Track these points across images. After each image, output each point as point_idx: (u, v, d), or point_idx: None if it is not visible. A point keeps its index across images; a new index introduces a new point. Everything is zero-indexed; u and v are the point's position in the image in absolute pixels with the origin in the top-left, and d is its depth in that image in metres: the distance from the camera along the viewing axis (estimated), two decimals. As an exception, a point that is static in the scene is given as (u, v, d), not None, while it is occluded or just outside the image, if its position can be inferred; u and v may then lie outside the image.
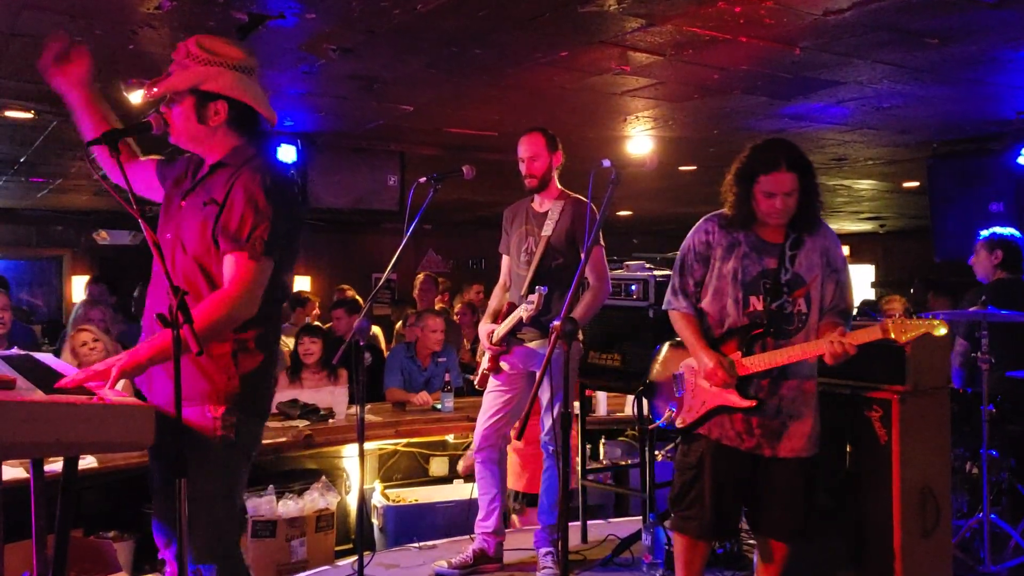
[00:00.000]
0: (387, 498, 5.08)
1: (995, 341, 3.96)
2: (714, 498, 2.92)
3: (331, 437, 4.93)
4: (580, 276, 2.98)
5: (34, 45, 3.81)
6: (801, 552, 3.39)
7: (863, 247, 14.70)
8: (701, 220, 3.06)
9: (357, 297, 7.66)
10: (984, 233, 4.74)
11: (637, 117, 5.43)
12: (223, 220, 2.34)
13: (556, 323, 2.72)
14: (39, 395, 2.04)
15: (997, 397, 4.06)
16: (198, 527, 2.33)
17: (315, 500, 4.59)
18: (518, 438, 3.83)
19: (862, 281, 14.36)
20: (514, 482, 4.71)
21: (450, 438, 5.47)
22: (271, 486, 4.55)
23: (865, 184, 8.63)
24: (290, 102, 5.04)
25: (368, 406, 4.87)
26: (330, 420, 5.12)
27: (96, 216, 10.82)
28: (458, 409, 5.35)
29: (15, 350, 2.72)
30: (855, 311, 3.42)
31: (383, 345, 7.12)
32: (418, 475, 5.47)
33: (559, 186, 3.84)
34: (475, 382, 4.02)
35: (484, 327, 3.90)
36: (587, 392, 4.74)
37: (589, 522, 4.48)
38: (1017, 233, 4.69)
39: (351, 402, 5.33)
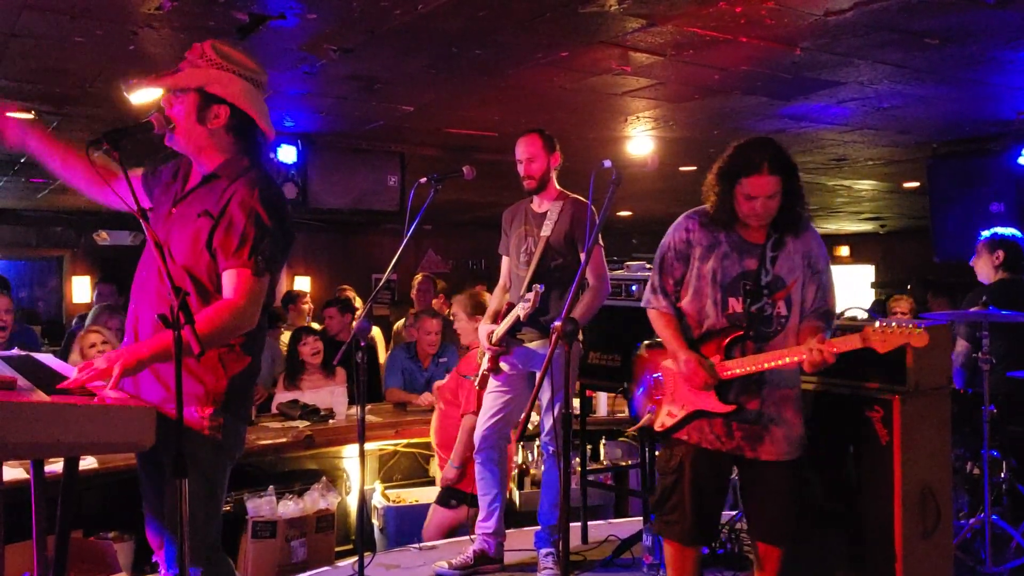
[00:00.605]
0: (387, 499, 5.08)
1: (996, 342, 3.96)
2: (695, 502, 2.89)
3: (331, 438, 4.93)
4: (580, 277, 2.98)
5: (35, 45, 3.82)
6: (801, 552, 3.39)
7: (863, 247, 14.69)
8: (681, 217, 3.01)
9: (355, 297, 7.66)
10: (985, 233, 4.73)
11: (638, 117, 5.43)
12: (222, 235, 2.36)
13: (556, 324, 2.72)
14: (39, 396, 2.04)
15: (998, 397, 4.06)
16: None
17: (315, 501, 4.59)
18: (518, 439, 3.84)
19: (862, 281, 14.35)
20: (468, 483, 4.40)
21: (450, 438, 5.46)
22: (271, 487, 4.55)
23: (865, 184, 8.63)
24: (290, 102, 5.04)
25: (368, 407, 4.86)
26: (330, 421, 5.12)
27: (96, 217, 10.81)
28: (458, 409, 5.34)
29: (15, 351, 2.72)
30: (863, 313, 3.41)
31: (381, 346, 7.11)
32: (418, 476, 5.47)
33: (557, 187, 3.84)
34: (475, 383, 4.02)
35: (484, 328, 3.90)
36: (587, 392, 4.74)
37: (590, 523, 4.48)
38: (1018, 233, 4.69)
39: (351, 402, 5.33)
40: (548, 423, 3.74)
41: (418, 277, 7.45)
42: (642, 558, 3.85)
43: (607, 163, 2.93)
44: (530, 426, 4.33)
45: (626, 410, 5.37)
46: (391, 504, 5.00)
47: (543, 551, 3.84)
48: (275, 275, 2.45)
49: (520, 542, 4.16)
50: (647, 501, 4.05)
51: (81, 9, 3.36)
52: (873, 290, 13.71)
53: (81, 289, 10.78)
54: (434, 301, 7.40)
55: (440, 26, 3.59)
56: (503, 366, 3.84)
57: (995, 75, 4.42)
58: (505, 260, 3.97)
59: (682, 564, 3.00)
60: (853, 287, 14.06)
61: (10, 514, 2.78)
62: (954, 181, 6.06)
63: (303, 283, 11.60)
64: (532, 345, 3.76)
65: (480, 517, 3.93)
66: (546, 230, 3.75)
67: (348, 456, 5.11)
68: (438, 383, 5.05)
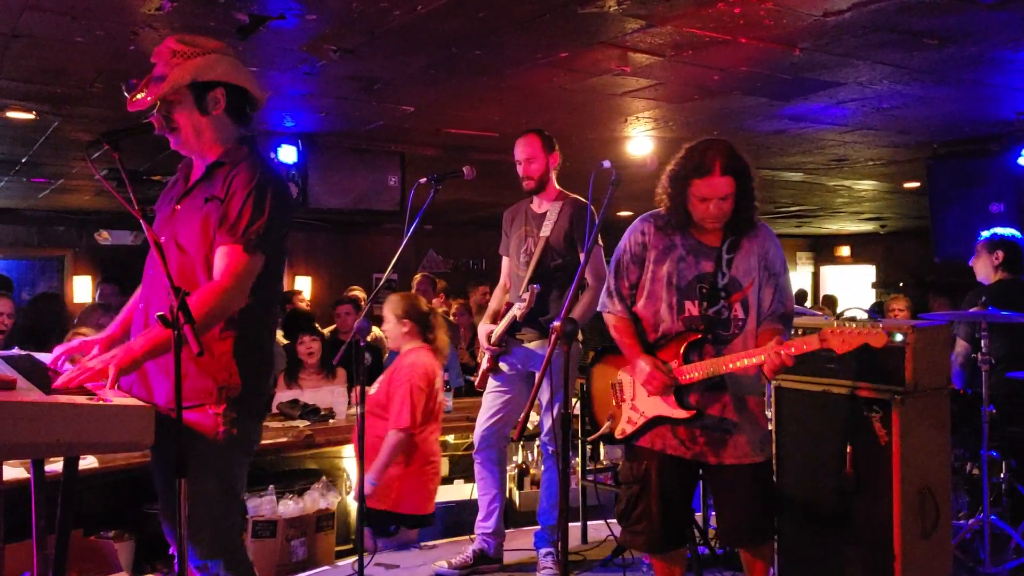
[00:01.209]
0: (387, 498, 5.07)
1: (995, 342, 3.96)
2: (661, 511, 2.86)
3: (331, 437, 4.93)
4: (580, 277, 2.99)
5: (35, 46, 3.82)
6: (801, 553, 3.40)
7: (864, 247, 14.70)
8: (637, 220, 2.98)
9: (364, 297, 7.66)
10: (985, 234, 4.73)
11: (637, 118, 5.43)
12: (221, 213, 2.37)
13: (556, 323, 2.73)
14: (39, 395, 2.05)
15: (997, 398, 4.06)
16: (203, 524, 2.36)
17: (316, 500, 4.59)
18: (517, 438, 3.84)
19: (863, 282, 14.36)
20: (379, 500, 4.16)
21: (450, 438, 5.47)
22: (272, 486, 4.55)
23: (865, 185, 8.63)
24: (291, 103, 5.04)
25: (368, 406, 4.86)
26: (330, 420, 5.12)
27: (98, 216, 10.82)
28: (458, 409, 5.35)
29: (15, 350, 2.73)
30: (863, 313, 3.41)
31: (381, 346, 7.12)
32: (418, 475, 5.46)
33: (557, 187, 3.85)
34: (475, 383, 4.03)
35: (483, 328, 3.91)
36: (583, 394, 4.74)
37: (589, 523, 4.48)
38: (1018, 234, 4.69)
39: (351, 402, 5.33)
40: (547, 423, 3.75)
41: (417, 277, 7.47)
42: (642, 558, 3.86)
43: (606, 163, 2.93)
44: (529, 426, 4.33)
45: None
46: (391, 504, 5.00)
47: (542, 551, 3.85)
48: (269, 258, 2.42)
49: (519, 542, 4.17)
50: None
51: (82, 10, 3.37)
52: (874, 290, 13.71)
53: (82, 289, 10.78)
54: (434, 301, 7.42)
55: (440, 26, 3.59)
56: (502, 366, 3.84)
57: (994, 75, 4.42)
58: (505, 260, 3.97)
59: (669, 572, 2.99)
60: (854, 287, 14.08)
61: (10, 513, 2.78)
62: (954, 181, 6.06)
63: (303, 283, 11.61)
64: (531, 345, 3.77)
65: (480, 517, 3.94)
66: (546, 230, 3.75)
67: (348, 456, 5.11)
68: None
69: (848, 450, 3.26)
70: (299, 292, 7.90)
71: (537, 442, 4.45)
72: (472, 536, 4.00)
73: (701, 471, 2.99)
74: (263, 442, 4.58)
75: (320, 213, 6.35)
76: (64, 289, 11.13)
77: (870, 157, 6.96)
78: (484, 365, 3.90)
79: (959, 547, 3.82)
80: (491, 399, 3.88)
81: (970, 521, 3.95)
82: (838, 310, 4.57)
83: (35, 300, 7.13)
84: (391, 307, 4.33)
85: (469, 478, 4.97)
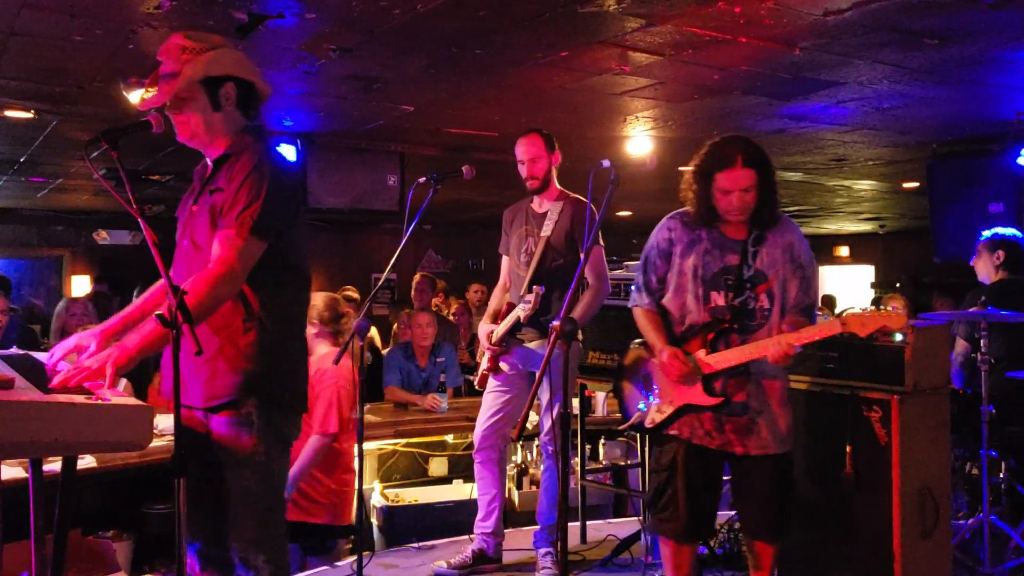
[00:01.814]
0: (386, 498, 5.08)
1: (995, 342, 3.95)
2: (688, 499, 2.91)
3: (330, 437, 4.92)
4: (580, 276, 2.98)
5: (34, 44, 3.82)
6: (800, 552, 3.39)
7: (863, 247, 14.70)
8: (665, 217, 3.06)
9: (358, 297, 7.67)
10: (986, 233, 4.73)
11: (637, 117, 5.43)
12: (221, 202, 2.37)
13: (555, 323, 2.72)
14: (38, 395, 2.04)
15: (997, 398, 4.05)
16: (246, 520, 2.38)
17: (314, 500, 4.58)
18: (517, 438, 3.83)
19: (862, 281, 14.36)
20: (317, 514, 4.02)
21: (449, 438, 5.47)
22: (270, 486, 4.54)
23: (865, 184, 8.64)
24: (290, 102, 5.04)
25: (367, 406, 4.86)
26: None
27: (96, 216, 10.82)
28: (458, 409, 5.34)
29: (14, 350, 2.72)
30: (858, 310, 3.41)
31: (379, 345, 7.12)
32: (417, 475, 5.47)
33: (558, 186, 3.84)
34: (475, 382, 4.02)
35: (484, 327, 3.90)
36: (587, 392, 4.74)
37: (588, 522, 4.48)
38: (1018, 233, 4.68)
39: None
40: (547, 423, 3.75)
41: (416, 277, 7.46)
42: (641, 558, 3.85)
43: (606, 163, 2.94)
44: (529, 426, 4.32)
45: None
46: (390, 503, 5.00)
47: (542, 551, 3.84)
48: (276, 242, 2.39)
49: (519, 542, 4.16)
50: (646, 501, 4.05)
51: (80, 8, 3.36)
52: (873, 290, 13.71)
53: (81, 288, 10.79)
54: (434, 300, 7.41)
55: (439, 26, 3.59)
56: (503, 366, 3.84)
57: (994, 75, 4.42)
58: (505, 259, 3.97)
59: (678, 562, 3.00)
60: (853, 287, 14.09)
61: (9, 513, 2.78)
62: (954, 181, 6.07)
63: (303, 283, 11.58)
64: (532, 345, 3.76)
65: (479, 516, 3.93)
66: (546, 230, 3.75)
67: (347, 455, 5.11)
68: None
69: (848, 450, 3.26)
70: None
71: (537, 442, 4.44)
72: (471, 536, 3.99)
73: (728, 464, 3.01)
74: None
75: (319, 213, 6.34)
76: (63, 289, 11.13)
77: (869, 157, 6.96)
78: (484, 365, 3.89)
79: (958, 547, 3.82)
80: (491, 399, 3.88)
81: (969, 521, 3.95)
82: (836, 310, 4.57)
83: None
84: (315, 311, 4.21)
85: (468, 478, 4.98)
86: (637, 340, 3.15)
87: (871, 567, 3.20)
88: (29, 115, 5.16)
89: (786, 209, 11.07)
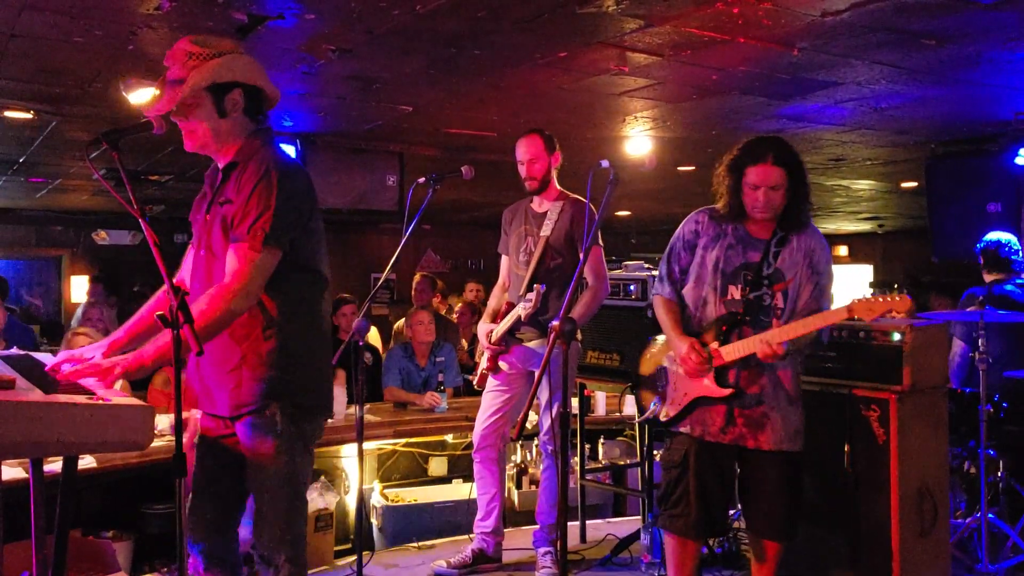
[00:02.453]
0: (386, 498, 5.08)
1: (993, 342, 3.96)
2: (699, 495, 2.93)
3: (330, 437, 4.92)
4: (579, 276, 2.99)
5: (34, 45, 3.82)
6: (799, 551, 3.40)
7: (862, 247, 14.71)
8: (694, 211, 3.12)
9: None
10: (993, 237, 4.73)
11: (636, 117, 5.44)
12: (232, 213, 2.36)
13: (555, 323, 2.73)
14: (38, 395, 2.05)
15: (995, 397, 4.07)
16: (268, 518, 2.41)
17: (314, 500, 4.59)
18: (516, 438, 3.84)
19: (861, 281, 14.37)
20: None
21: (449, 438, 5.47)
22: (270, 486, 4.55)
23: (863, 184, 8.64)
24: (289, 102, 5.04)
25: (367, 406, 4.87)
26: (329, 420, 5.11)
27: (96, 216, 10.82)
28: (457, 409, 5.35)
29: (14, 350, 2.73)
30: None
31: (379, 346, 7.12)
32: (417, 475, 5.48)
33: (558, 186, 3.85)
34: (474, 382, 4.03)
35: (483, 327, 3.91)
36: (586, 392, 4.75)
37: (588, 522, 4.49)
38: (1004, 237, 4.69)
39: (349, 402, 5.33)
40: (547, 422, 3.76)
41: (416, 277, 7.47)
42: (640, 557, 3.87)
43: (604, 163, 2.95)
44: (528, 425, 4.33)
45: (623, 409, 5.41)
46: (390, 503, 5.01)
47: (541, 550, 3.85)
48: (292, 248, 2.38)
49: (519, 541, 4.17)
50: (645, 500, 4.06)
51: (80, 9, 3.37)
52: (872, 290, 13.72)
53: (80, 289, 10.78)
54: (433, 300, 7.41)
55: (438, 26, 3.60)
56: (502, 365, 3.85)
57: (992, 76, 4.42)
58: (504, 259, 3.98)
59: (682, 559, 3.01)
60: (852, 287, 14.10)
61: (9, 513, 2.79)
62: (952, 181, 6.07)
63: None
64: (531, 344, 3.77)
65: (479, 516, 3.94)
66: (546, 230, 3.76)
67: (347, 455, 5.12)
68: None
69: (846, 448, 3.27)
70: None
71: (536, 441, 4.45)
72: (471, 535, 4.00)
73: (737, 461, 3.02)
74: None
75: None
76: (62, 289, 11.13)
77: (868, 157, 6.97)
78: (484, 364, 3.90)
79: (957, 546, 3.83)
80: (490, 398, 3.89)
81: (967, 520, 3.96)
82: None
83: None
84: None
85: (468, 478, 4.98)
86: (658, 336, 3.19)
87: (870, 565, 3.21)
88: (29, 116, 5.16)
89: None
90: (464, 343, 7.06)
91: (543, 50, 3.94)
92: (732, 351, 2.87)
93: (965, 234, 5.52)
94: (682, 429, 2.99)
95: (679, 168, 7.12)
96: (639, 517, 4.16)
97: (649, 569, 3.79)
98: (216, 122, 2.44)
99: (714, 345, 2.91)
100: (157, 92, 2.44)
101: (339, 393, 5.34)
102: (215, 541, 2.54)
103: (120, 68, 4.11)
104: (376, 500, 5.09)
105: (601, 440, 5.70)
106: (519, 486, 5.27)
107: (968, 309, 4.21)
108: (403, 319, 7.13)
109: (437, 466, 5.52)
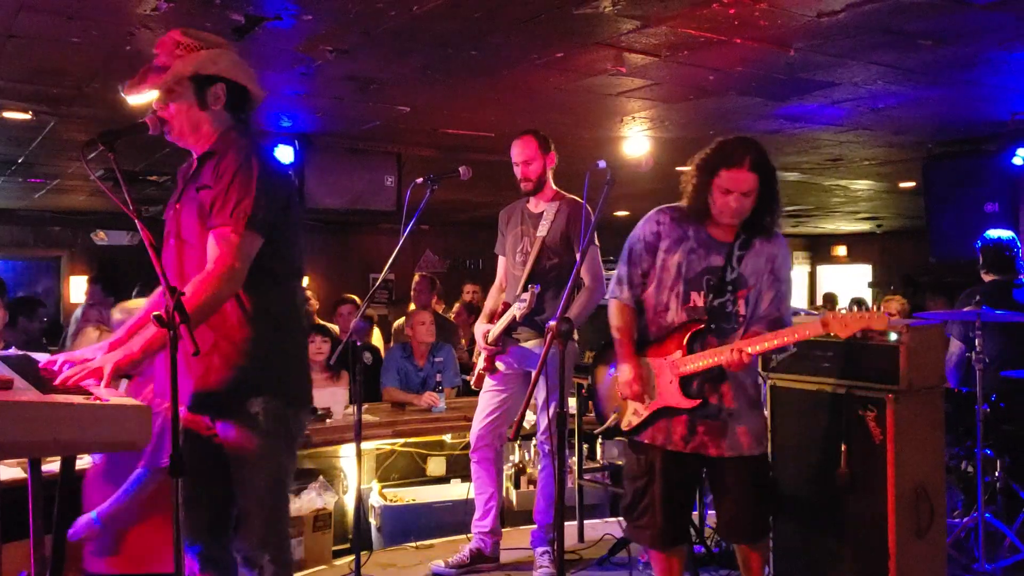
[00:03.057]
0: (384, 498, 5.09)
1: (989, 341, 3.97)
2: (665, 505, 2.89)
3: (328, 437, 4.94)
4: (576, 276, 3.00)
5: (32, 46, 3.83)
6: (795, 552, 3.41)
7: (860, 247, 14.72)
8: (653, 211, 3.01)
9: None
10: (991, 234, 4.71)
11: (633, 118, 5.44)
12: (211, 199, 2.37)
13: (552, 323, 2.74)
14: (36, 395, 2.05)
15: (992, 396, 4.07)
16: (253, 519, 2.40)
17: (312, 500, 4.60)
18: (514, 438, 3.84)
19: (860, 281, 14.38)
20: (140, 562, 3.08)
21: (447, 438, 5.48)
22: (268, 486, 4.55)
23: (861, 184, 8.65)
24: (287, 103, 5.05)
25: (366, 406, 4.87)
26: (328, 420, 5.12)
27: (94, 217, 10.81)
28: (455, 409, 5.36)
29: (13, 350, 2.73)
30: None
31: (380, 346, 7.12)
32: (415, 475, 5.48)
33: (554, 187, 3.86)
34: (471, 382, 4.03)
35: (480, 327, 3.92)
36: (583, 392, 4.75)
37: (586, 521, 4.49)
38: (1004, 235, 4.69)
39: (348, 401, 5.34)
40: (544, 422, 3.76)
41: (416, 277, 7.48)
42: (638, 557, 3.87)
43: (602, 163, 2.95)
44: (526, 425, 4.34)
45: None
46: (388, 503, 5.01)
47: (539, 550, 3.86)
48: (270, 236, 2.40)
49: (516, 541, 4.18)
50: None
51: (78, 10, 3.37)
52: (871, 289, 13.73)
53: (79, 289, 10.77)
54: (433, 301, 7.41)
55: (435, 27, 3.60)
56: (499, 365, 3.85)
57: (989, 76, 4.43)
58: (502, 260, 3.98)
59: (667, 567, 3.00)
60: (850, 287, 14.11)
61: (7, 513, 2.79)
62: (949, 182, 6.08)
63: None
64: (528, 344, 3.78)
65: (476, 516, 3.95)
66: (542, 230, 3.76)
67: (345, 455, 5.12)
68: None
69: (843, 448, 3.27)
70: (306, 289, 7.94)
71: (534, 441, 4.46)
72: (469, 535, 4.01)
73: (703, 468, 3.00)
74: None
75: (317, 213, 6.35)
76: (60, 290, 11.12)
77: (866, 157, 6.98)
78: (480, 364, 3.91)
79: (954, 545, 3.84)
80: (487, 398, 3.89)
81: (964, 519, 3.97)
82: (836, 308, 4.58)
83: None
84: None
85: (466, 477, 4.98)
86: (609, 340, 3.10)
87: (866, 566, 3.22)
88: (27, 116, 5.16)
89: (784, 209, 11.04)
90: (464, 343, 7.06)
91: (540, 51, 3.95)
92: (698, 361, 2.81)
93: (963, 234, 5.53)
94: (644, 439, 2.94)
95: (677, 168, 7.09)
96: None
97: (647, 569, 3.79)
98: (195, 113, 2.46)
99: (677, 355, 2.85)
100: (142, 76, 2.46)
101: (340, 394, 5.35)
102: (210, 542, 2.53)
103: (118, 69, 4.11)
104: (374, 500, 5.09)
105: (599, 440, 5.70)
106: (517, 486, 5.27)
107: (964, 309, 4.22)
108: (403, 318, 7.16)
109: (435, 466, 5.52)
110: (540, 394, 3.69)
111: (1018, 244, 4.65)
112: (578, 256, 3.10)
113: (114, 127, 2.35)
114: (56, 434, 1.98)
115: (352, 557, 3.52)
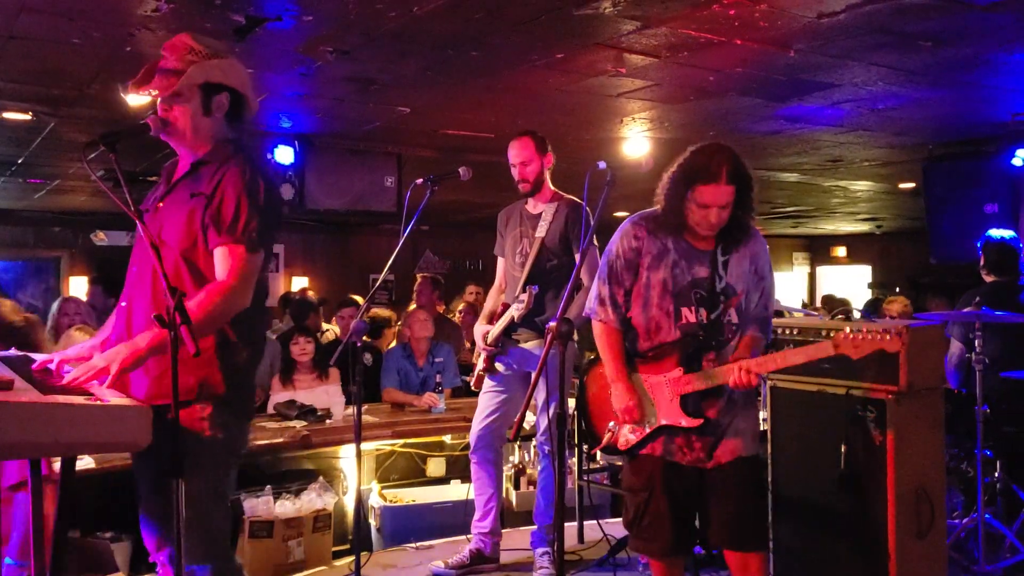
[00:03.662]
0: (384, 498, 5.08)
1: (990, 342, 3.97)
2: (671, 515, 2.84)
3: (328, 438, 4.94)
4: (575, 277, 3.00)
5: (32, 47, 3.83)
6: (795, 553, 3.41)
7: (860, 248, 14.73)
8: (627, 223, 2.89)
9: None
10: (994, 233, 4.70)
11: (633, 119, 5.45)
12: (214, 212, 2.39)
13: (552, 324, 2.73)
14: (36, 395, 2.05)
15: (992, 398, 4.07)
16: (190, 528, 2.32)
17: (312, 501, 4.60)
18: (513, 438, 3.84)
19: (859, 282, 14.39)
20: None
21: (447, 439, 5.48)
22: (268, 487, 4.56)
23: (861, 185, 8.65)
24: (287, 104, 5.05)
25: (366, 407, 4.87)
26: (327, 421, 5.13)
27: (94, 217, 10.81)
28: (455, 410, 5.36)
29: (13, 351, 2.73)
30: (856, 313, 3.42)
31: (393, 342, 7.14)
32: (415, 475, 5.47)
33: (552, 187, 3.86)
34: (471, 383, 4.03)
35: (479, 328, 3.92)
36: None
37: (585, 522, 4.49)
38: (1007, 235, 4.68)
39: (348, 402, 5.34)
40: (543, 423, 3.76)
41: (418, 278, 7.48)
42: (638, 558, 3.86)
43: (602, 164, 2.94)
44: (526, 426, 4.34)
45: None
46: (388, 504, 5.01)
47: (539, 550, 3.86)
48: (268, 253, 2.47)
49: (516, 541, 4.18)
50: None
51: (78, 11, 3.37)
52: (871, 290, 13.74)
53: (79, 290, 10.76)
54: (435, 303, 7.41)
55: (435, 28, 3.60)
56: (498, 366, 3.85)
57: (989, 77, 4.43)
58: (501, 261, 3.99)
59: (670, 574, 2.96)
60: (850, 288, 14.12)
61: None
62: (949, 183, 6.09)
63: (300, 284, 11.61)
64: (528, 345, 3.78)
65: (476, 516, 3.95)
66: (541, 231, 3.77)
67: (345, 456, 5.12)
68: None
69: (843, 450, 3.27)
70: (306, 290, 7.97)
71: (533, 442, 4.45)
72: (469, 536, 4.01)
73: (702, 476, 2.95)
74: (260, 442, 4.64)
75: (317, 214, 6.36)
76: (60, 290, 11.11)
77: (866, 158, 6.98)
78: (480, 365, 3.91)
79: (954, 547, 3.84)
80: (487, 399, 3.89)
81: (964, 520, 3.97)
82: (834, 311, 4.58)
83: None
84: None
85: (466, 478, 4.98)
86: (595, 355, 3.04)
87: (866, 567, 3.22)
88: (27, 117, 5.16)
89: (783, 209, 11.12)
90: (467, 344, 7.06)
91: (540, 52, 3.95)
92: (704, 382, 2.75)
93: (963, 235, 5.53)
94: (643, 452, 2.89)
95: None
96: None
97: (646, 570, 3.79)
98: (199, 118, 2.49)
99: (676, 373, 2.78)
100: (146, 76, 2.47)
101: (336, 393, 5.36)
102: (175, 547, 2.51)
103: (118, 70, 4.12)
104: (374, 500, 5.09)
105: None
106: (517, 487, 5.27)
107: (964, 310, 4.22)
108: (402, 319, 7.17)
109: (435, 467, 5.52)
110: (540, 395, 3.69)
111: (1021, 245, 4.65)
112: (577, 257, 3.10)
113: (115, 128, 2.36)
114: (57, 435, 1.98)
115: (352, 558, 3.52)
